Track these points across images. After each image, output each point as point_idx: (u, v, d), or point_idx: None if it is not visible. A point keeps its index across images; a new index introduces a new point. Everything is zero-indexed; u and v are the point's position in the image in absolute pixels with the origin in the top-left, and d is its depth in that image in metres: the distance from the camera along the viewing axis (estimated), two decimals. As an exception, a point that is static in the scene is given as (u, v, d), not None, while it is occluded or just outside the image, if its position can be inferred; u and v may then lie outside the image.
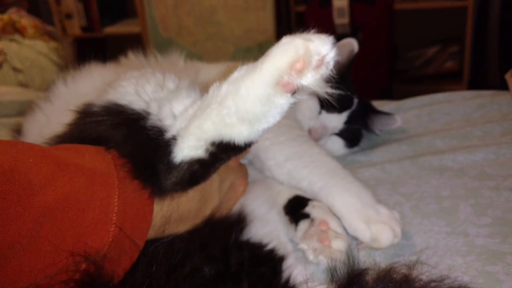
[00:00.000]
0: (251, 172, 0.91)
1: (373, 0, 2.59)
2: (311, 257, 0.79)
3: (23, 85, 2.32)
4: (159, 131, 0.65)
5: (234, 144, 0.63)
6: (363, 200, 0.83)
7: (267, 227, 0.80)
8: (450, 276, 0.63)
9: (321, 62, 0.56)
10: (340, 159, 1.14)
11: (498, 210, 0.86)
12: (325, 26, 2.67)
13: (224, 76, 0.65)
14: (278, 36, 2.93)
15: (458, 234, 0.82)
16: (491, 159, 1.02)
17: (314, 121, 1.09)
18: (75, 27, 3.67)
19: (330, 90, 0.57)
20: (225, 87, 0.63)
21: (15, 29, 2.44)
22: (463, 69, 2.92)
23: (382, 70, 2.71)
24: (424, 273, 0.63)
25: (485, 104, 1.27)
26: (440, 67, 3.10)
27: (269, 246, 0.74)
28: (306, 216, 0.85)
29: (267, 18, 2.95)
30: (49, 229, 0.51)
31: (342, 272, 0.67)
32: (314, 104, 1.09)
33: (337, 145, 1.14)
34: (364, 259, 0.75)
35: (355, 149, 1.18)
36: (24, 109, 1.33)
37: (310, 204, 0.87)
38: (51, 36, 2.59)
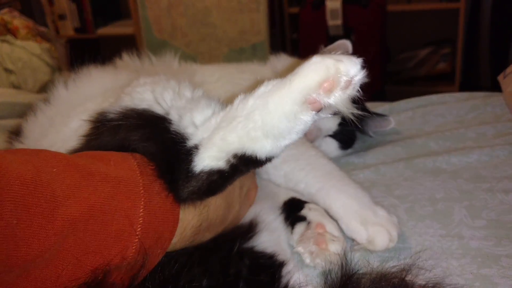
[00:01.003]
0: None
1: (366, 2, 2.59)
2: (307, 260, 0.78)
3: (16, 86, 2.31)
4: (182, 138, 0.66)
5: (256, 157, 0.63)
6: (361, 201, 0.83)
7: (273, 235, 0.80)
8: (445, 280, 0.63)
9: (349, 83, 0.57)
10: (334, 161, 1.14)
11: (492, 212, 0.86)
12: (318, 27, 2.68)
13: (248, 89, 0.65)
14: (272, 38, 2.95)
15: (453, 237, 0.82)
16: (485, 161, 1.02)
17: (309, 123, 1.09)
18: (68, 28, 3.66)
19: (355, 111, 0.58)
20: (252, 101, 0.63)
21: (7, 30, 2.42)
22: (455, 70, 2.94)
23: (375, 72, 2.72)
24: (419, 277, 0.63)
25: (479, 105, 1.27)
26: (432, 68, 3.11)
27: (270, 253, 0.74)
28: (302, 218, 0.85)
29: (260, 19, 2.95)
30: (72, 242, 0.50)
31: (336, 275, 0.67)
32: None
33: (332, 147, 1.14)
34: (360, 262, 0.75)
35: (349, 151, 1.18)
36: (17, 111, 1.32)
37: (306, 206, 0.87)
38: (43, 37, 2.58)
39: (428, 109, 1.31)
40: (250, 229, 0.77)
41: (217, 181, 0.65)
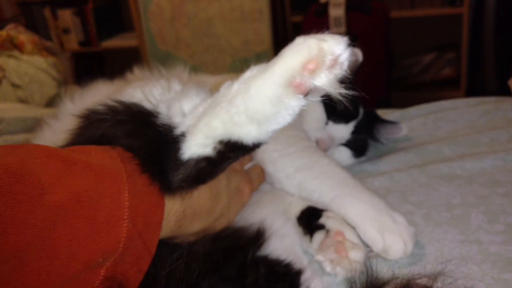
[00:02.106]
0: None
1: (369, 9, 2.60)
2: (328, 268, 0.78)
3: (23, 101, 2.32)
4: (169, 128, 0.65)
5: (242, 143, 0.62)
6: (377, 207, 0.83)
7: (284, 241, 0.79)
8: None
9: (335, 62, 0.54)
10: (347, 168, 1.14)
11: (510, 217, 0.86)
12: (322, 35, 2.67)
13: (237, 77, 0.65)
14: (276, 47, 2.96)
15: (472, 242, 0.81)
16: (499, 165, 1.02)
17: (321, 132, 1.09)
18: (73, 41, 3.70)
19: (344, 91, 0.56)
20: (236, 86, 0.62)
21: (13, 45, 2.44)
22: (461, 75, 2.94)
23: (380, 79, 2.72)
24: (445, 285, 0.62)
25: (490, 110, 1.28)
26: (437, 74, 3.11)
27: (286, 261, 0.74)
28: (321, 227, 0.85)
29: (264, 29, 2.96)
30: (62, 228, 0.50)
31: (360, 283, 0.67)
32: (321, 115, 1.10)
33: (345, 155, 1.14)
34: (382, 269, 0.75)
35: (362, 158, 1.18)
36: (28, 125, 1.33)
37: (325, 214, 0.87)
38: (49, 51, 2.59)
39: (439, 115, 1.31)
40: (258, 236, 0.76)
41: (206, 168, 0.64)
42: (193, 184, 0.65)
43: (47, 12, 3.65)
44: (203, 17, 3.07)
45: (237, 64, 0.75)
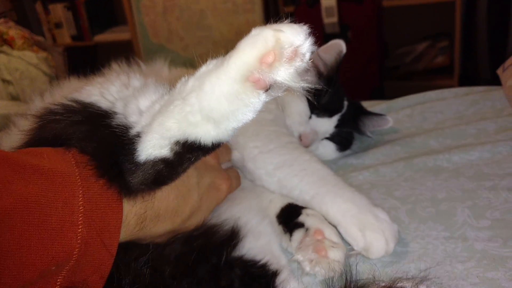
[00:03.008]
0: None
1: (361, -2, 2.58)
2: (307, 268, 0.76)
3: (14, 97, 2.29)
4: (124, 129, 0.61)
5: (200, 144, 0.58)
6: (359, 205, 0.80)
7: (259, 240, 0.77)
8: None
9: (294, 54, 0.50)
10: (331, 163, 1.11)
11: (497, 211, 0.83)
12: (314, 25, 2.64)
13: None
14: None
15: (457, 239, 0.79)
16: (487, 158, 1.00)
17: (304, 127, 1.07)
18: (65, 36, 3.67)
19: (305, 84, 0.52)
20: (191, 82, 0.58)
21: (4, 41, 2.41)
22: (454, 63, 2.91)
23: (373, 68, 2.70)
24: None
25: (478, 100, 1.25)
26: (430, 62, 3.09)
27: (262, 262, 0.71)
28: (301, 225, 0.82)
29: (256, 19, 2.94)
30: (11, 237, 0.48)
31: (339, 284, 0.64)
32: (304, 109, 1.07)
33: (329, 149, 1.12)
34: (363, 268, 0.73)
35: (347, 152, 1.15)
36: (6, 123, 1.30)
37: (304, 212, 0.84)
38: (40, 46, 2.57)
39: (426, 106, 1.29)
40: (233, 235, 0.72)
41: (164, 170, 0.60)
42: (153, 186, 0.61)
43: (38, 6, 3.61)
44: (195, 9, 3.04)
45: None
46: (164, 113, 0.59)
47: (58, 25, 3.66)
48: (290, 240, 0.82)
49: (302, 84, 0.52)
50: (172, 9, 3.08)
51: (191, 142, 0.58)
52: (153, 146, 0.59)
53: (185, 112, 0.57)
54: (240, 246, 0.72)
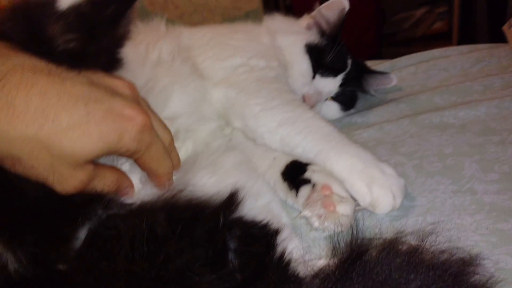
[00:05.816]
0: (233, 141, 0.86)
1: (359, -37, 2.53)
2: (316, 224, 0.74)
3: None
4: None
5: None
6: (364, 160, 0.78)
7: (258, 200, 0.74)
8: (460, 247, 0.59)
9: None
10: (336, 121, 1.09)
11: (505, 165, 0.82)
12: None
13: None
14: (265, 5, 2.88)
15: (465, 192, 0.77)
16: (494, 113, 0.97)
17: (308, 87, 1.04)
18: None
19: None
20: None
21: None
22: (452, 29, 2.88)
23: (371, 35, 2.68)
24: (433, 244, 0.58)
25: (483, 57, 1.22)
26: (428, 28, 3.06)
27: (263, 222, 0.68)
28: (307, 181, 0.80)
29: (252, -14, 2.89)
30: None
31: (343, 243, 0.62)
32: (307, 69, 1.04)
33: (333, 109, 1.10)
34: (370, 223, 0.72)
35: (351, 111, 1.13)
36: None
37: (310, 168, 0.82)
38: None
39: (430, 64, 1.26)
40: (231, 199, 0.68)
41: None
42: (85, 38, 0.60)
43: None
44: (191, -24, 2.99)
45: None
46: None
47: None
48: (296, 196, 0.81)
49: None
50: (167, -24, 3.03)
51: None
52: None
53: None
54: (240, 209, 0.69)
